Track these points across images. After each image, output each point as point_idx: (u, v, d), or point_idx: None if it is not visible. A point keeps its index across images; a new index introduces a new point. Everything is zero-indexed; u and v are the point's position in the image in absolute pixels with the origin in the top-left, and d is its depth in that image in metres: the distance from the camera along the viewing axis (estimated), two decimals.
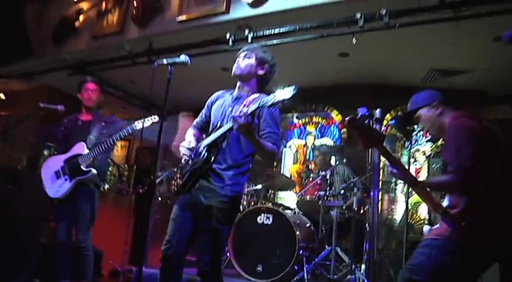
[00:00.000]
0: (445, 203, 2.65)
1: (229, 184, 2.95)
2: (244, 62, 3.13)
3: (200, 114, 3.36)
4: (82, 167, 4.21)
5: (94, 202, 4.32)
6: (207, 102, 3.33)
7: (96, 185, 4.38)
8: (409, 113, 2.96)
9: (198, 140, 3.22)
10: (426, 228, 2.81)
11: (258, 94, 2.96)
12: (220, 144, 2.96)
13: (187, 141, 3.13)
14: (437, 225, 2.62)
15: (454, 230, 2.46)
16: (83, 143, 4.31)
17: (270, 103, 2.55)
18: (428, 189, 2.62)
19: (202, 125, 3.32)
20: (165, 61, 2.94)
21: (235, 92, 3.19)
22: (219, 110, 3.16)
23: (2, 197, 4.76)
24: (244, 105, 2.67)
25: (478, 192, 2.47)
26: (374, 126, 2.55)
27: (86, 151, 4.25)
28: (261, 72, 3.13)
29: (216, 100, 3.24)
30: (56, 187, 4.28)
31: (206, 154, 2.93)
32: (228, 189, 2.95)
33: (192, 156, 3.02)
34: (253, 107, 2.62)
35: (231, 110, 3.05)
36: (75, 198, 4.23)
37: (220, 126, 2.97)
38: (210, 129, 3.12)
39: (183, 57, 3.01)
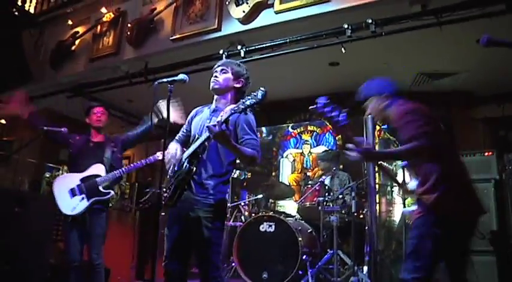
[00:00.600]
0: (412, 184, 2.86)
1: (212, 193, 3.06)
2: (221, 76, 3.24)
3: (181, 130, 3.47)
4: (100, 187, 4.32)
5: (106, 220, 4.43)
6: (188, 118, 3.45)
7: (108, 204, 4.51)
8: (358, 102, 3.20)
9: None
10: (405, 210, 3.01)
11: (234, 105, 3.15)
12: (201, 155, 3.07)
13: (173, 148, 3.23)
14: (415, 207, 2.83)
15: (430, 206, 2.69)
16: (102, 165, 4.41)
17: (241, 108, 2.75)
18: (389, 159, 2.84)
19: (184, 140, 3.41)
20: (165, 80, 3.06)
21: (213, 105, 3.30)
22: (198, 123, 3.27)
23: (10, 219, 4.86)
24: (221, 116, 2.84)
25: (441, 161, 2.72)
26: (335, 113, 2.79)
27: (104, 172, 4.38)
28: (237, 85, 3.26)
29: (196, 115, 3.34)
30: (72, 205, 4.30)
31: (188, 165, 3.03)
32: (211, 198, 3.05)
33: (176, 168, 3.12)
34: (225, 115, 2.81)
35: (209, 122, 3.12)
36: (88, 216, 4.30)
37: (196, 138, 3.12)
38: (190, 141, 3.23)
39: (181, 76, 3.12)
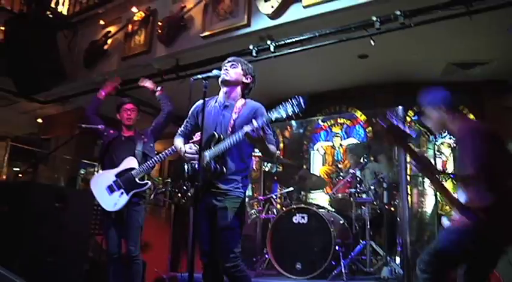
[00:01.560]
0: (459, 197, 2.90)
1: (238, 187, 3.22)
2: (232, 70, 3.33)
3: (184, 123, 3.53)
4: (136, 180, 4.42)
5: (142, 213, 4.56)
6: (191, 111, 3.51)
7: (144, 197, 4.64)
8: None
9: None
10: (445, 220, 3.03)
11: (244, 100, 3.31)
12: (225, 155, 3.17)
13: (187, 147, 3.31)
14: (456, 217, 2.87)
15: (477, 222, 2.71)
16: (134, 158, 4.52)
17: (284, 116, 2.89)
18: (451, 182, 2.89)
19: (187, 133, 3.51)
20: (200, 76, 3.13)
21: (221, 99, 3.38)
22: (209, 119, 3.31)
23: (51, 214, 5.05)
24: (253, 122, 2.95)
25: (497, 189, 2.75)
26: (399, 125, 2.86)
27: (137, 165, 4.48)
28: (246, 80, 3.37)
29: (201, 109, 3.21)
30: (113, 201, 4.41)
31: (218, 167, 3.13)
32: (238, 191, 3.21)
33: (197, 167, 3.14)
34: (260, 122, 2.94)
35: (223, 118, 3.28)
36: (126, 210, 4.41)
37: (219, 138, 3.18)
38: (205, 138, 3.22)
39: (216, 72, 3.23)
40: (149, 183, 4.50)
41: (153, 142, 4.76)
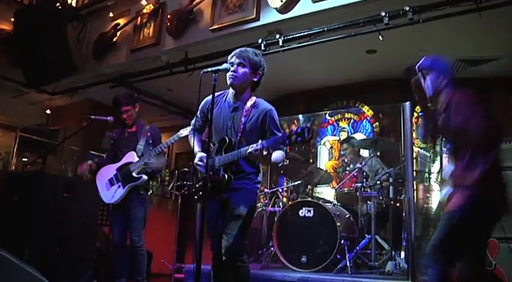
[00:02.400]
0: (447, 171, 2.95)
1: (251, 183, 3.27)
2: (240, 70, 3.21)
3: (196, 118, 3.50)
4: (133, 174, 4.50)
5: (145, 205, 4.63)
6: (201, 107, 3.43)
7: (146, 189, 4.71)
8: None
9: (202, 144, 3.45)
10: (443, 194, 3.06)
11: (254, 99, 3.27)
12: (234, 163, 3.18)
13: (197, 157, 3.29)
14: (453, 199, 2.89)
15: (470, 197, 2.75)
16: (133, 152, 4.60)
17: (287, 144, 2.87)
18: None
19: (200, 128, 3.49)
20: (209, 69, 3.10)
21: (231, 99, 3.32)
22: (219, 120, 3.30)
23: (59, 204, 5.12)
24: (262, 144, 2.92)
25: (488, 156, 2.77)
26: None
27: (137, 159, 4.55)
28: (255, 79, 3.28)
29: (211, 105, 3.15)
30: (111, 194, 4.57)
31: (226, 175, 3.14)
32: (252, 186, 3.26)
33: (203, 170, 3.15)
34: (267, 144, 2.92)
35: (233, 122, 3.25)
36: (128, 203, 4.52)
37: (229, 143, 3.19)
38: (214, 138, 3.27)
39: (225, 65, 3.21)
40: (144, 176, 4.52)
41: (154, 145, 4.76)
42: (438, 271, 2.78)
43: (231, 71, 3.20)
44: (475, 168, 2.76)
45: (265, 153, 2.92)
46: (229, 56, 3.30)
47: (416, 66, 3.25)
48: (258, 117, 3.22)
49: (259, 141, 2.95)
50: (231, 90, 3.33)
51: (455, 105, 2.92)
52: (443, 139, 3.01)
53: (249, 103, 3.27)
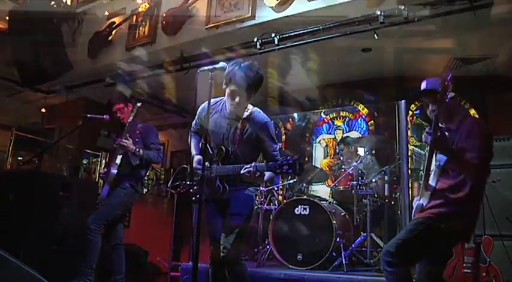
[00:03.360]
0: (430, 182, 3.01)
1: (253, 186, 3.35)
2: (242, 94, 3.17)
3: (194, 122, 3.52)
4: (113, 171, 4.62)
5: (130, 194, 4.72)
6: (198, 113, 3.46)
7: (132, 186, 4.73)
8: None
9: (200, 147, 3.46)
10: (417, 203, 3.08)
11: (250, 110, 3.31)
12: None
13: (195, 160, 3.32)
14: (425, 202, 2.98)
15: (449, 209, 2.89)
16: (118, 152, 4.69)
17: (277, 172, 2.94)
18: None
19: (198, 131, 3.51)
20: (206, 68, 3.13)
21: (227, 109, 3.31)
22: (216, 129, 3.32)
23: (55, 202, 5.17)
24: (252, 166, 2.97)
25: (475, 181, 2.91)
26: None
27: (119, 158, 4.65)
28: (254, 94, 3.27)
29: (207, 113, 3.17)
30: (106, 190, 4.69)
31: (221, 187, 3.19)
32: (252, 187, 3.35)
33: (200, 172, 3.14)
34: (260, 169, 2.97)
35: (229, 133, 3.28)
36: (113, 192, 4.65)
37: (226, 153, 3.23)
38: (210, 147, 3.31)
39: (222, 64, 3.19)
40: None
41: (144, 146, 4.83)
42: (394, 271, 2.84)
43: (231, 99, 3.21)
44: (462, 188, 2.88)
45: (257, 175, 2.96)
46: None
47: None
48: (254, 129, 3.25)
49: (253, 163, 2.98)
50: (228, 102, 3.30)
51: (467, 130, 3.00)
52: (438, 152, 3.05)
53: (246, 114, 3.29)
